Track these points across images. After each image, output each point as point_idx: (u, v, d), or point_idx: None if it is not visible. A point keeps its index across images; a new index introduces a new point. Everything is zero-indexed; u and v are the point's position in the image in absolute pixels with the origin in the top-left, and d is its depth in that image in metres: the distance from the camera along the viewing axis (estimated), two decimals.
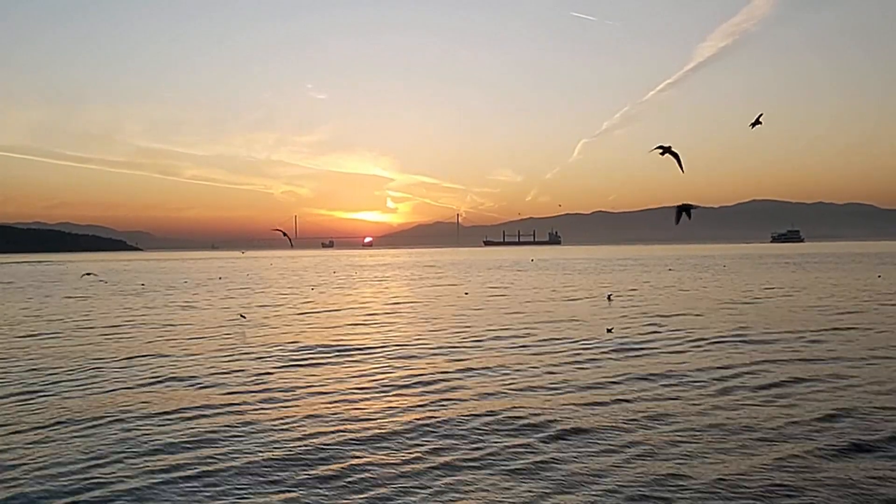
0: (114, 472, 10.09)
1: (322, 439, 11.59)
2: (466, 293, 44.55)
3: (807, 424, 11.95)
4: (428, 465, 10.31)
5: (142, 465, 10.41)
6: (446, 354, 19.85)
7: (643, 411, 12.95)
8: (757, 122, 16.62)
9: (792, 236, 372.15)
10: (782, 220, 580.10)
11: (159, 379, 16.81)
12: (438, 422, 12.57)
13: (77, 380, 16.84)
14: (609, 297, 37.82)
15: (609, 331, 23.83)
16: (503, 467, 10.17)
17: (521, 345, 21.34)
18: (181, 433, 12.00)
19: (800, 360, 17.93)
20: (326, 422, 12.70)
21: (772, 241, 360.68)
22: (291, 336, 24.40)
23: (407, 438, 11.63)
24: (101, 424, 12.62)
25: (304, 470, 10.19)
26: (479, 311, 32.21)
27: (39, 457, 10.80)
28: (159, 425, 12.53)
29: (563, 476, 9.78)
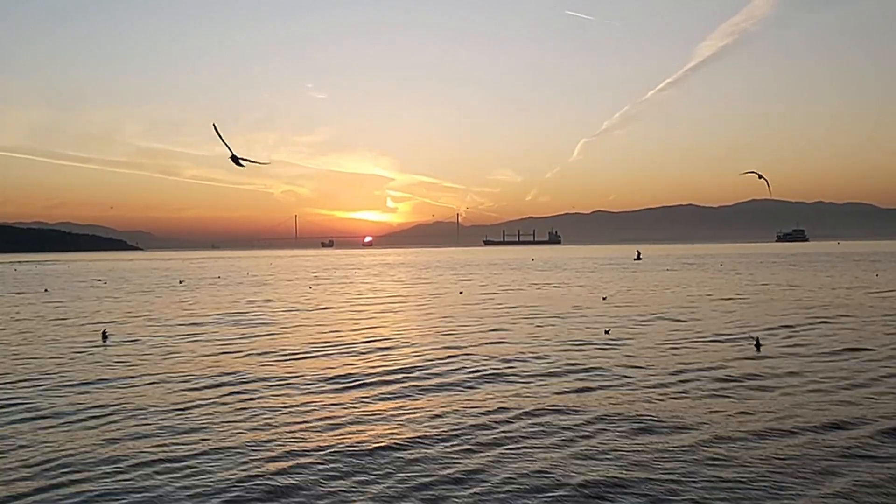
0: None
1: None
2: (461, 293, 43.76)
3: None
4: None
5: None
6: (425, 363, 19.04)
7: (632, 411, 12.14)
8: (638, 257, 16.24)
9: (797, 235, 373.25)
10: (782, 220, 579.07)
11: None
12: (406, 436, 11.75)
13: None
14: (604, 298, 37.17)
15: (606, 332, 23.06)
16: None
17: (512, 346, 20.48)
18: None
19: None
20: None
21: (777, 241, 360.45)
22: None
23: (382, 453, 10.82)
24: None
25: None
26: (473, 312, 31.39)
27: None
28: None
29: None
